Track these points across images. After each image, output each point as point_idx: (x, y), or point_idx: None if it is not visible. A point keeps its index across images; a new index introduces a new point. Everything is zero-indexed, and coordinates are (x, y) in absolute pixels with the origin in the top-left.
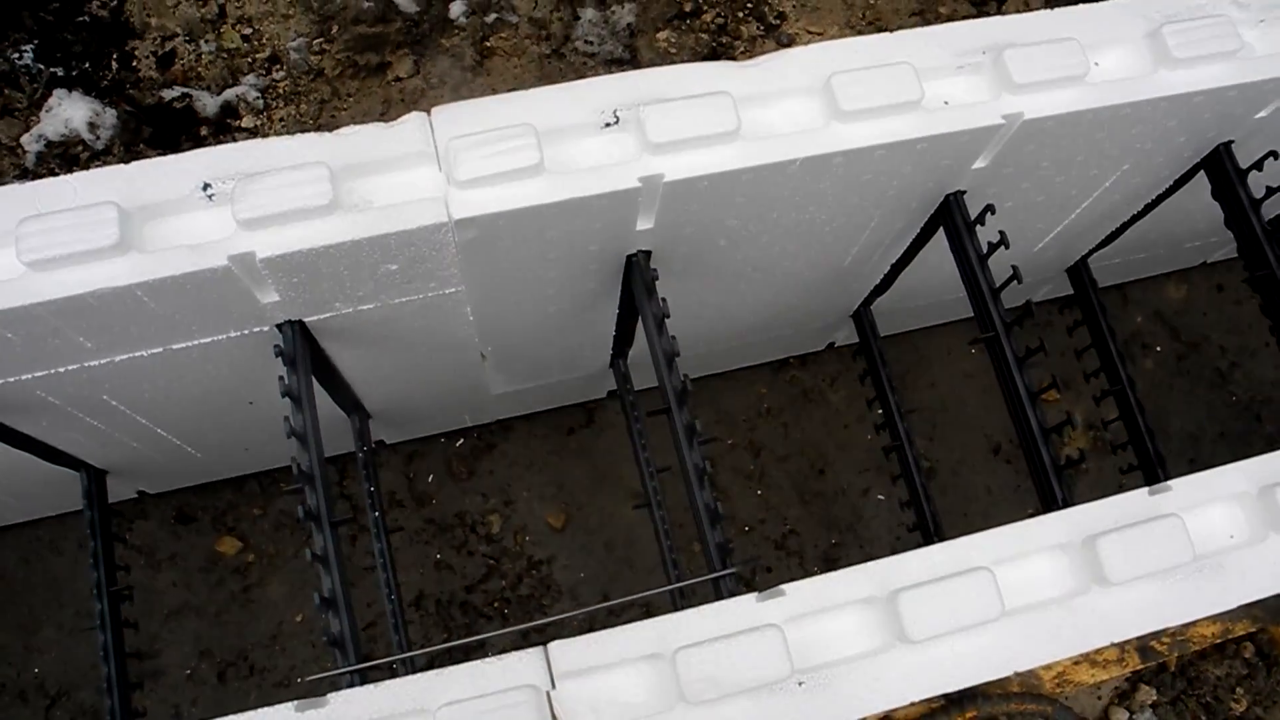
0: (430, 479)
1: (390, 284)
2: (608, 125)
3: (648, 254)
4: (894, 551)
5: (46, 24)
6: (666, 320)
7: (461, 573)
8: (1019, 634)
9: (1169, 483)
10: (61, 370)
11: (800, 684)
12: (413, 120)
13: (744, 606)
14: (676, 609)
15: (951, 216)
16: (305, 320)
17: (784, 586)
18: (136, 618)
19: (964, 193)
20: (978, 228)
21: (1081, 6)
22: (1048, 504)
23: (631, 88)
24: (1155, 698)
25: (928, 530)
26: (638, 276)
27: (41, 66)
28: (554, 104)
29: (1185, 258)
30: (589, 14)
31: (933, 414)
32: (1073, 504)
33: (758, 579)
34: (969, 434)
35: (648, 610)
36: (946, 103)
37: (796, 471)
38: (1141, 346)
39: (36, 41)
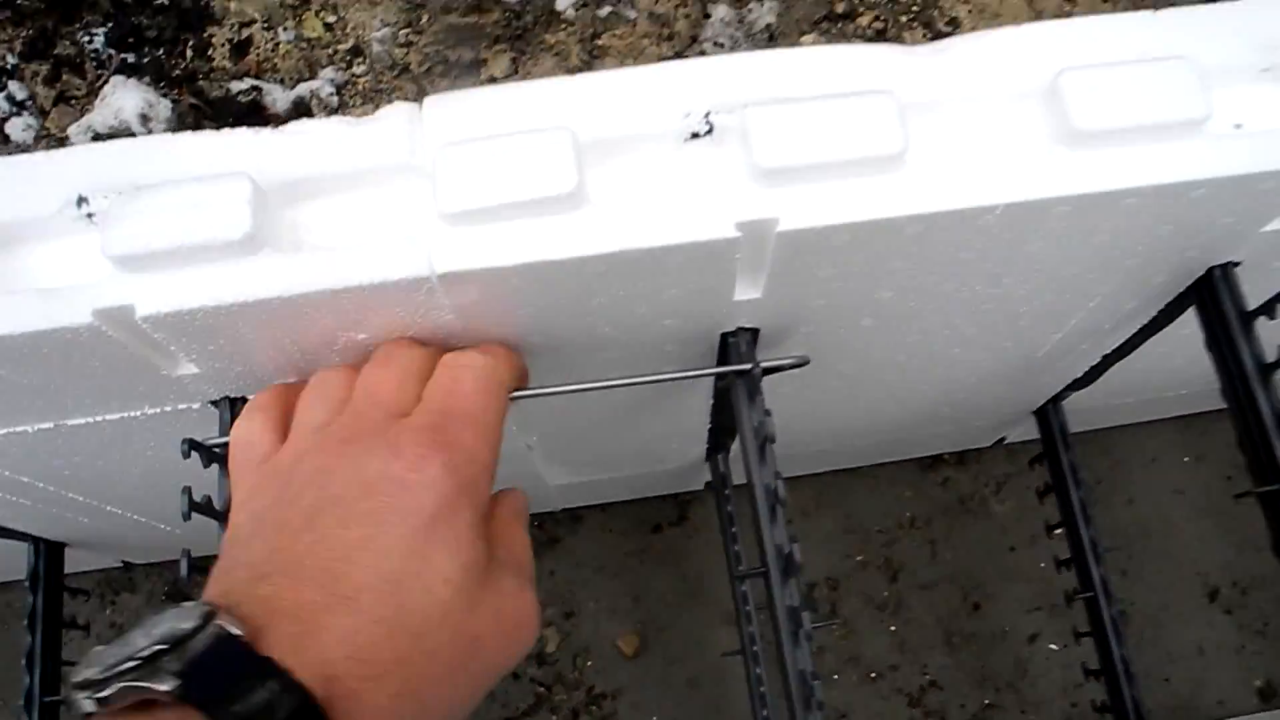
0: None
1: (355, 354)
2: (694, 136)
3: (753, 333)
4: None
5: (123, 4)
6: (771, 444)
7: (502, 700)
8: None
9: None
10: None
11: None
12: (395, 113)
13: None
14: None
15: (1216, 299)
16: (251, 397)
17: None
18: None
19: (1237, 265)
20: (1258, 321)
21: None
22: None
23: (733, 78)
24: None
25: (1125, 718)
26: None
27: (112, 52)
28: (609, 96)
29: None
30: (721, 11)
31: (1129, 540)
32: None
33: None
34: (1177, 570)
35: None
36: (1239, 125)
37: (944, 604)
38: None
39: (110, 24)
